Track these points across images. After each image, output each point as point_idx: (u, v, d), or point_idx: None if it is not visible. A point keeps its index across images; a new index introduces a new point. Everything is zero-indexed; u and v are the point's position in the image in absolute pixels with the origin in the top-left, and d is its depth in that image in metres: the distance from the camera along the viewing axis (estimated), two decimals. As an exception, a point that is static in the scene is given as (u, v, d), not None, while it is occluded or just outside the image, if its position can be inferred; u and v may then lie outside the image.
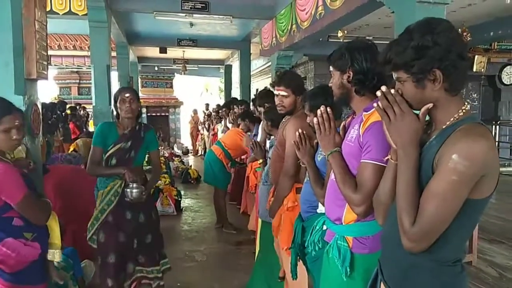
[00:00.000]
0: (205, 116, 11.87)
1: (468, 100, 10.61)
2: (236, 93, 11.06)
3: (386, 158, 1.32)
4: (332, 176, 1.72)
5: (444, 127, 1.17)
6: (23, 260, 1.89)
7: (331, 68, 1.73)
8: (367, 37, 7.10)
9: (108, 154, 2.66)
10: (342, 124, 1.78)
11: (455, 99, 1.19)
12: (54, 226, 2.12)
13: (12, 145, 1.93)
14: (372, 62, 1.63)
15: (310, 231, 1.99)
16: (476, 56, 8.69)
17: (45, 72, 2.75)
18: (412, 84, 1.17)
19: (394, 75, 1.22)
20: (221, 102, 12.83)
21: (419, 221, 1.12)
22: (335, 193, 1.67)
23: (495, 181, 1.13)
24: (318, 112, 1.72)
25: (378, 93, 1.21)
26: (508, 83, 9.45)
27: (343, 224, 1.66)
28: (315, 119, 1.73)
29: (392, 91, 1.20)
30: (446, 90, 1.16)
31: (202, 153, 11.85)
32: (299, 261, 2.24)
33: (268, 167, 2.98)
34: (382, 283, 1.33)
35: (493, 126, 8.61)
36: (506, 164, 9.31)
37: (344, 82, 1.67)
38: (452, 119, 1.17)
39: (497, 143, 8.66)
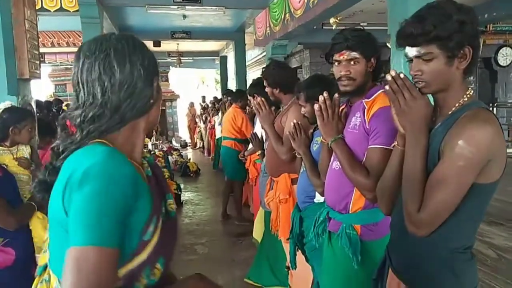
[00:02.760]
0: (202, 109, 11.85)
1: (465, 83, 10.64)
2: (232, 84, 11.02)
3: (393, 144, 1.31)
4: (334, 165, 1.72)
5: (450, 112, 1.16)
6: None
7: (354, 54, 1.61)
8: (361, 23, 7.08)
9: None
10: (343, 111, 1.76)
11: (464, 83, 1.18)
12: (40, 231, 2.03)
13: None
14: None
15: (313, 222, 1.95)
16: (472, 38, 8.67)
17: (38, 71, 2.75)
18: (443, 61, 1.13)
19: (417, 52, 1.15)
20: (218, 94, 12.80)
21: (425, 207, 1.12)
22: (339, 182, 1.66)
23: (502, 165, 1.13)
24: (320, 98, 1.67)
25: (388, 77, 1.16)
26: (504, 64, 9.44)
27: (350, 212, 1.66)
28: (316, 106, 1.68)
29: (401, 75, 1.15)
30: (464, 71, 1.16)
31: (201, 146, 11.85)
32: (298, 251, 2.26)
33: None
34: (390, 268, 1.33)
35: (491, 108, 8.60)
36: (504, 146, 9.34)
37: (368, 70, 1.64)
38: (457, 104, 1.16)
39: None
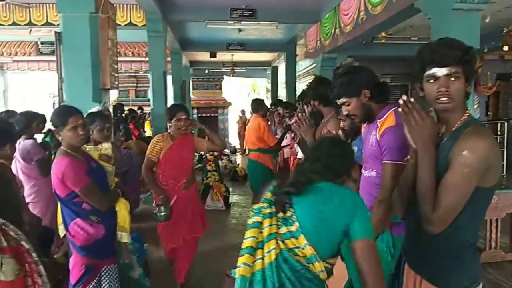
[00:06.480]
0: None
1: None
2: (282, 93, 11.35)
3: (406, 158, 1.53)
4: (365, 173, 1.99)
5: (454, 129, 1.39)
6: (90, 238, 2.26)
7: (343, 100, 1.97)
8: (412, 38, 7.13)
9: None
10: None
11: (464, 104, 1.42)
12: (123, 212, 2.45)
13: (79, 140, 2.22)
14: (374, 76, 1.96)
15: None
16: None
17: (116, 82, 3.23)
18: (463, 81, 1.37)
19: (447, 71, 1.36)
20: (267, 102, 13.17)
21: (438, 207, 1.33)
22: (370, 187, 1.95)
23: (498, 171, 1.36)
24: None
25: (400, 101, 1.39)
26: None
27: None
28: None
29: (412, 99, 1.39)
30: (466, 94, 1.40)
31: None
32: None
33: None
34: (406, 263, 1.56)
35: None
36: None
37: (364, 102, 1.93)
38: (459, 122, 1.39)
39: None
